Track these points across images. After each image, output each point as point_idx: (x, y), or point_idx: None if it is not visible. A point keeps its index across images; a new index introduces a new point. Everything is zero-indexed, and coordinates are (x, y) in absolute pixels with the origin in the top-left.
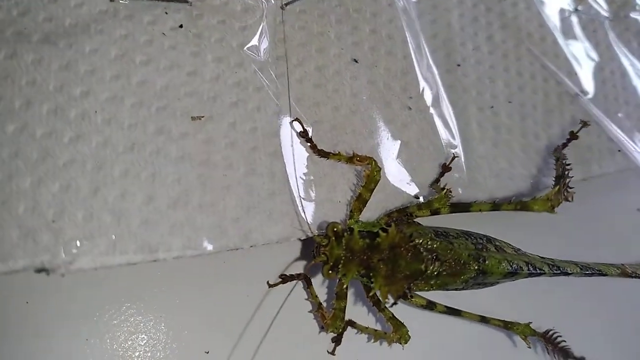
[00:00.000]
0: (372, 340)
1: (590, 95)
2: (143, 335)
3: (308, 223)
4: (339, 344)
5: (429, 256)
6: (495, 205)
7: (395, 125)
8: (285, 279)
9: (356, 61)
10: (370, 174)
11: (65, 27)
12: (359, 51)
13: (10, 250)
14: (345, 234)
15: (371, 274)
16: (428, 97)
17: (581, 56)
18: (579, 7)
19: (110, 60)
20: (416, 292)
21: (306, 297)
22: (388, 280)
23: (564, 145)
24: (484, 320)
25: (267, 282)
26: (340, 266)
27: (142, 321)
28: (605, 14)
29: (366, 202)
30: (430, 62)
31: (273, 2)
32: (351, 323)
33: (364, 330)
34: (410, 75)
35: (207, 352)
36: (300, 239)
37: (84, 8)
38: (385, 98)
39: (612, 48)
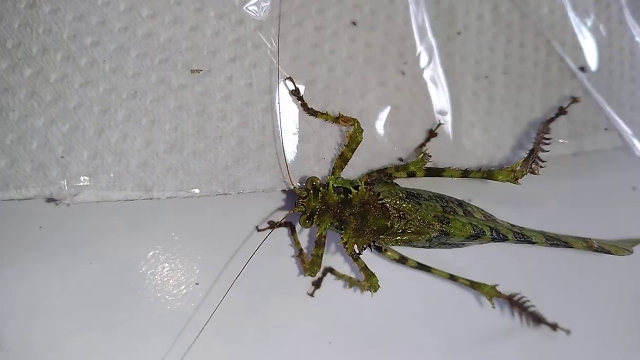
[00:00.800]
0: (347, 287)
1: (593, 71)
2: (141, 264)
3: (290, 176)
4: (319, 288)
5: (396, 214)
6: (465, 172)
7: (388, 89)
8: (272, 225)
9: (355, 24)
10: (353, 134)
11: None
12: (359, 14)
13: (24, 180)
14: (322, 188)
15: (342, 226)
16: (424, 63)
17: (589, 30)
18: None
19: (120, 13)
20: (389, 247)
21: (290, 243)
22: (356, 233)
23: (551, 119)
24: (452, 278)
25: (256, 227)
26: (315, 217)
27: (141, 252)
28: None
29: (348, 161)
30: (431, 28)
31: None
32: (330, 270)
33: (341, 277)
34: (408, 41)
35: (197, 284)
36: (284, 190)
37: None
38: (380, 62)
39: (625, 24)
